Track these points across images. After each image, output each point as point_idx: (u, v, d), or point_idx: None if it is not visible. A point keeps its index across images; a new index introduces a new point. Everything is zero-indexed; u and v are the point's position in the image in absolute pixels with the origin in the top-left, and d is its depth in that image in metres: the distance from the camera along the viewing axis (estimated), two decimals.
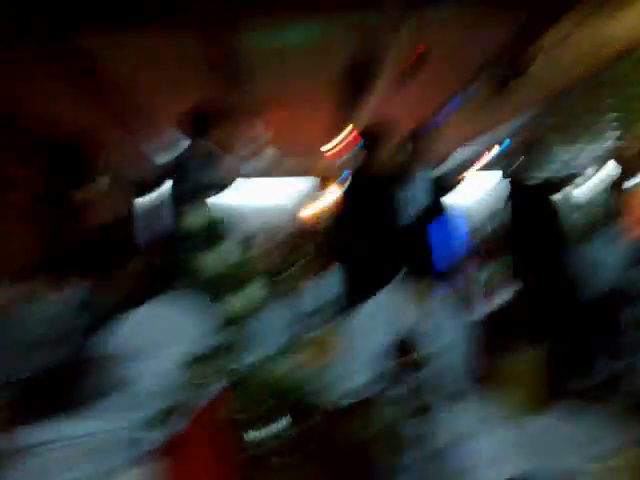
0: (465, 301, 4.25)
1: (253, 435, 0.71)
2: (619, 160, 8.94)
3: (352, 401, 0.97)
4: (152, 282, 2.93)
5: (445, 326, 2.07)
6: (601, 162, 12.70)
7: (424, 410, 0.77)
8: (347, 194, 5.01)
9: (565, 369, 4.15)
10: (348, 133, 9.94)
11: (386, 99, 8.42)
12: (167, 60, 6.83)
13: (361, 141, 3.19)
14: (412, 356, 0.96)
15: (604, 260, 4.99)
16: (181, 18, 5.42)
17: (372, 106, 8.65)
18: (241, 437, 0.69)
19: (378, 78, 6.78)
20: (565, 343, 4.03)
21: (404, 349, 0.97)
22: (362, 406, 0.91)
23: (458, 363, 1.93)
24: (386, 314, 2.25)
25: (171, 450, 0.70)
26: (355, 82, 6.38)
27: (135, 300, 2.22)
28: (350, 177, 5.58)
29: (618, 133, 12.66)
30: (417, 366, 0.96)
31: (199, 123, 3.39)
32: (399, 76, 7.35)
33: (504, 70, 7.00)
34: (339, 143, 11.66)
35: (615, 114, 12.18)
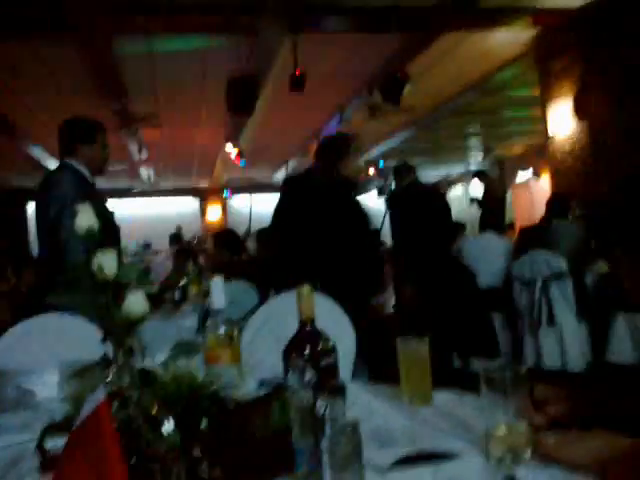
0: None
1: (151, 438, 0.71)
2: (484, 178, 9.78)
3: (262, 393, 1.00)
4: (40, 292, 2.80)
5: (340, 319, 2.16)
6: (469, 179, 13.64)
7: (334, 394, 0.82)
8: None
9: (451, 356, 4.47)
10: (232, 150, 9.96)
11: (269, 115, 8.57)
12: (41, 68, 6.52)
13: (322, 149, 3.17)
14: (318, 347, 1.01)
15: (487, 256, 5.48)
16: (60, 28, 5.21)
17: (257, 121, 8.77)
18: (132, 443, 0.69)
19: (260, 95, 6.90)
20: (451, 332, 4.37)
21: (309, 342, 1.02)
22: (272, 396, 0.94)
23: (351, 352, 2.02)
24: (290, 310, 2.29)
25: (57, 462, 0.69)
26: (238, 100, 6.44)
27: (25, 312, 2.12)
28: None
29: (481, 156, 13.77)
30: (322, 356, 1.01)
31: (69, 139, 3.16)
32: (279, 95, 7.53)
33: (377, 94, 7.39)
34: (224, 160, 11.66)
35: (477, 139, 13.28)
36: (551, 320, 4.72)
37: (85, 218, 1.10)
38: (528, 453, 0.99)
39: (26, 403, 1.78)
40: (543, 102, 6.79)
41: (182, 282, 4.41)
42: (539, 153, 11.00)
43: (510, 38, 6.52)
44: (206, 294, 4.38)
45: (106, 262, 1.06)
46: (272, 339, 2.33)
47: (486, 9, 5.75)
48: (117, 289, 1.06)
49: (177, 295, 4.26)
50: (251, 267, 4.32)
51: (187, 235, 11.93)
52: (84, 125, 3.28)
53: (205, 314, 3.49)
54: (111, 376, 0.98)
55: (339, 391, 0.79)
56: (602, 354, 4.13)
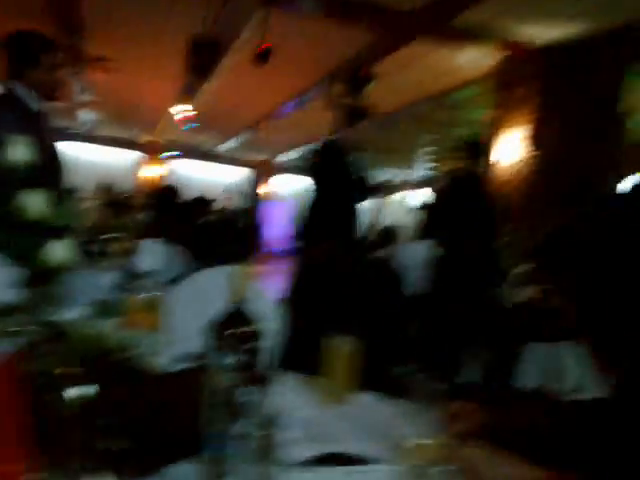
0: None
1: (59, 397, 0.65)
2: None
3: (180, 367, 0.95)
4: None
5: (268, 304, 2.11)
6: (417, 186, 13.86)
7: (254, 381, 0.79)
8: None
9: (380, 358, 4.48)
10: (180, 112, 9.65)
11: (226, 84, 8.35)
12: None
13: None
14: (246, 328, 0.96)
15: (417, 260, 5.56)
16: None
17: (212, 88, 8.53)
18: (41, 400, 0.63)
19: (221, 62, 6.70)
20: (382, 333, 4.39)
21: (237, 321, 0.97)
22: (191, 373, 0.89)
23: (276, 344, 1.98)
24: (217, 287, 2.22)
25: None
26: (198, 61, 6.23)
27: None
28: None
29: (431, 165, 14.01)
30: (249, 338, 0.97)
31: (20, 54, 2.75)
32: (241, 65, 7.35)
33: (342, 84, 7.35)
34: (170, 119, 11.27)
35: (430, 148, 13.48)
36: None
37: (17, 152, 1.01)
38: (437, 468, 0.99)
39: None
40: (494, 127, 6.96)
41: (105, 236, 4.21)
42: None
43: (475, 59, 6.64)
44: (130, 253, 4.22)
45: (32, 202, 0.97)
46: (193, 313, 2.26)
47: (460, 27, 5.82)
48: (44, 231, 0.98)
49: (98, 249, 4.07)
50: (184, 232, 4.19)
51: (118, 189, 11.50)
52: (27, 42, 2.81)
53: (127, 274, 3.34)
54: (20, 323, 0.90)
55: (262, 379, 0.75)
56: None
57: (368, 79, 6.61)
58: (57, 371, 0.75)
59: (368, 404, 1.38)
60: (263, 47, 5.84)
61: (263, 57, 5.88)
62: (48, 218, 0.95)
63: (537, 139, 6.23)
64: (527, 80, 6.44)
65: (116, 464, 0.68)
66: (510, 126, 6.62)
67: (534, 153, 6.22)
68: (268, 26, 5.73)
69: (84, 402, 0.70)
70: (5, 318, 1.01)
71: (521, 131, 6.43)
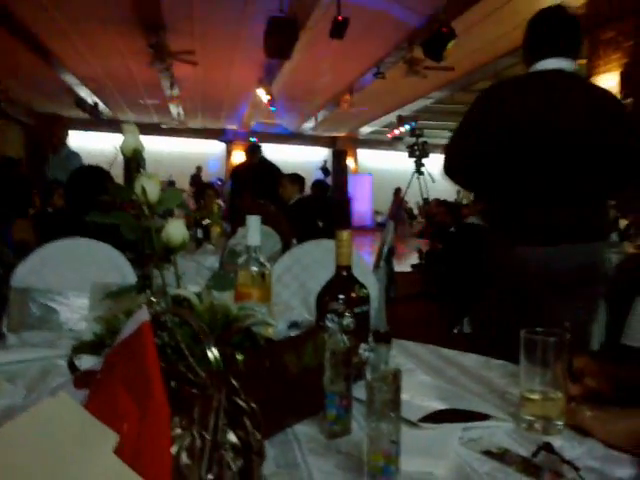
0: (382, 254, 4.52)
1: (191, 363, 0.70)
2: None
3: (293, 334, 0.99)
4: (67, 215, 2.82)
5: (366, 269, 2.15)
6: None
7: (376, 340, 0.81)
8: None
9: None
10: (264, 95, 9.81)
11: (305, 62, 8.40)
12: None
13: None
14: (353, 294, 0.99)
15: None
16: None
17: (291, 68, 8.60)
18: (171, 367, 0.68)
19: (297, 39, 6.74)
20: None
21: (347, 285, 1.00)
22: (307, 337, 0.93)
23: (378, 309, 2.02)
24: (317, 259, 2.28)
25: (94, 378, 0.69)
26: (278, 42, 6.29)
27: (51, 234, 2.13)
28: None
29: None
30: (360, 301, 1.00)
31: None
32: (317, 42, 7.34)
33: (418, 49, 7.18)
34: (254, 104, 11.51)
35: None
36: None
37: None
38: (561, 423, 0.97)
39: (49, 322, 1.80)
40: (589, 73, 6.55)
41: (205, 222, 4.41)
42: None
43: (560, 2, 6.25)
44: (227, 235, 4.39)
45: (149, 185, 1.04)
46: (296, 285, 2.33)
47: None
48: (160, 213, 1.05)
49: (199, 234, 4.27)
50: (275, 212, 4.30)
51: (209, 177, 11.91)
52: None
53: (227, 254, 3.49)
54: (147, 300, 0.97)
55: (384, 337, 0.76)
56: (617, 337, 4.08)
57: (448, 37, 6.42)
58: (186, 341, 0.80)
59: (477, 364, 1.38)
60: (339, 19, 5.79)
61: (339, 30, 5.84)
62: (162, 201, 1.02)
63: (631, 85, 5.80)
64: (618, 20, 5.99)
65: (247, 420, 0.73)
66: (601, 72, 6.21)
67: (628, 101, 5.80)
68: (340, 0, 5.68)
69: (217, 367, 0.74)
70: (128, 296, 1.09)
71: (613, 77, 6.01)
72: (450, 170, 2.24)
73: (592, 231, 2.10)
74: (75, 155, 5.50)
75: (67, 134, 5.60)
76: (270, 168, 6.04)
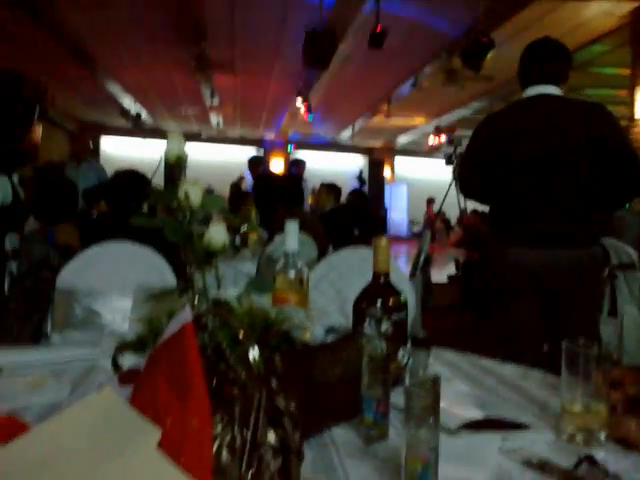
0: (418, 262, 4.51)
1: (228, 365, 0.71)
2: None
3: (330, 339, 1.00)
4: (111, 219, 2.90)
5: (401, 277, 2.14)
6: None
7: (416, 345, 0.81)
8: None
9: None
10: (301, 104, 9.89)
11: (343, 72, 8.44)
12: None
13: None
14: (390, 300, 0.99)
15: None
16: None
17: (330, 78, 8.66)
18: (212, 367, 0.70)
19: (335, 52, 6.77)
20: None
21: (385, 292, 1.00)
22: (346, 342, 0.94)
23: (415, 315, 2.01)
24: (354, 266, 2.29)
25: (138, 375, 0.71)
26: (316, 52, 6.35)
27: (94, 238, 2.20)
28: None
29: None
30: (398, 308, 1.00)
31: None
32: (355, 52, 7.37)
33: (457, 59, 7.14)
34: (291, 113, 11.62)
35: None
36: (613, 310, 4.56)
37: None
38: (603, 435, 0.95)
39: (92, 323, 1.85)
40: (633, 83, 6.40)
41: (242, 229, 4.45)
42: None
43: (605, 11, 6.13)
44: (264, 242, 4.43)
45: (192, 191, 1.06)
46: (332, 292, 2.33)
47: None
48: (200, 218, 1.07)
49: (237, 241, 4.31)
50: (311, 220, 4.32)
51: (247, 185, 12.03)
52: None
53: (264, 261, 3.52)
54: (189, 302, 0.99)
55: (424, 343, 0.76)
56: None
57: (487, 47, 6.37)
58: (226, 343, 0.81)
59: (514, 374, 1.36)
60: (378, 30, 5.81)
61: (378, 40, 5.86)
62: (204, 206, 1.04)
63: None
64: None
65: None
66: None
67: None
68: (381, 8, 5.70)
69: (258, 367, 0.75)
70: (170, 298, 1.12)
71: None
72: (464, 190, 2.65)
73: (579, 239, 2.31)
74: (93, 167, 5.66)
75: (91, 143, 5.77)
76: (296, 180, 6.09)
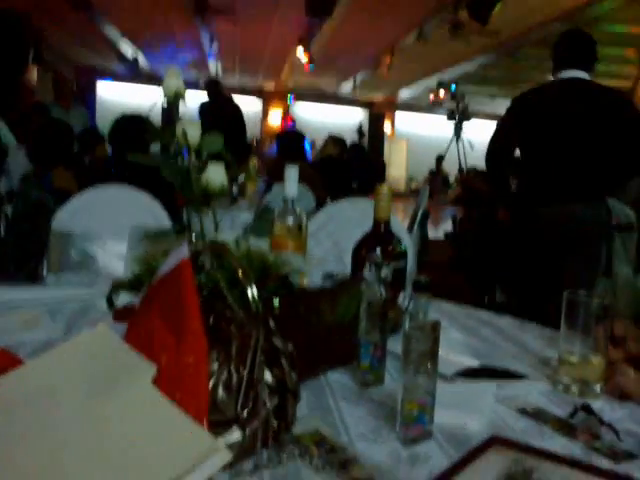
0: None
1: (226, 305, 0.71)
2: None
3: (327, 285, 0.99)
4: (116, 163, 2.85)
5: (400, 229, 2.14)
6: None
7: (416, 289, 0.81)
8: None
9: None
10: (302, 54, 9.68)
11: (345, 21, 8.21)
12: None
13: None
14: (390, 248, 0.98)
15: None
16: None
17: (332, 27, 8.43)
18: (209, 306, 0.69)
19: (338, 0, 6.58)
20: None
21: (385, 238, 0.99)
22: (344, 287, 0.93)
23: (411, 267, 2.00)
24: (352, 216, 2.28)
25: (133, 312, 0.70)
26: (314, 2, 6.16)
27: (97, 181, 2.17)
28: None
29: None
30: (395, 257, 0.99)
31: None
32: (359, 1, 7.16)
33: (463, 11, 6.95)
34: (292, 63, 11.37)
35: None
36: (608, 270, 4.58)
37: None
38: (599, 387, 0.95)
39: (87, 266, 1.84)
40: None
41: (241, 178, 4.41)
42: None
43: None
44: (262, 192, 4.40)
45: (190, 129, 1.03)
46: (330, 242, 2.32)
47: None
48: (201, 159, 1.04)
49: (234, 190, 4.28)
50: (310, 172, 4.27)
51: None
52: None
53: (261, 210, 3.50)
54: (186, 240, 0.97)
55: (425, 287, 0.75)
56: None
57: (474, 16, 6.17)
58: (224, 282, 0.80)
59: (510, 325, 1.36)
60: None
61: None
62: (203, 145, 1.01)
63: None
64: None
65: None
66: None
67: None
68: None
69: (256, 306, 0.74)
70: (166, 239, 1.10)
71: None
72: (491, 161, 2.92)
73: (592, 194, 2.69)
74: (79, 112, 5.53)
75: (75, 85, 5.61)
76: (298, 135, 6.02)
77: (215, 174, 1.03)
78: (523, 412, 0.88)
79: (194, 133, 1.03)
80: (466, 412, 0.85)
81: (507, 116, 2.87)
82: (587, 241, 2.72)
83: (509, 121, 2.85)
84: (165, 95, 1.05)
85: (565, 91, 2.73)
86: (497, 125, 2.92)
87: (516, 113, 2.82)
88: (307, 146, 5.34)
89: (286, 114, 15.49)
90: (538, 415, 0.87)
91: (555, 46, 2.86)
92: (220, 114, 5.90)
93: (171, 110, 1.02)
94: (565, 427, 0.83)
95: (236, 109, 6.38)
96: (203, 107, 6.31)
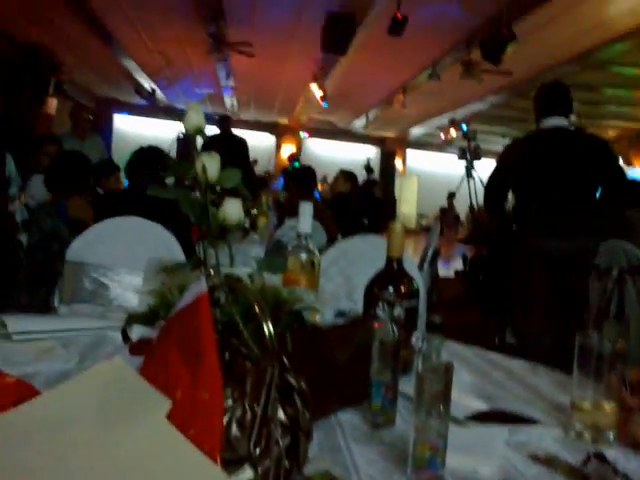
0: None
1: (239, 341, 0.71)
2: None
3: (339, 322, 1.00)
4: (130, 194, 2.89)
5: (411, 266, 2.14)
6: None
7: (430, 330, 0.80)
8: None
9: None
10: (317, 90, 9.83)
11: (360, 59, 8.36)
12: None
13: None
14: (403, 287, 0.99)
15: None
16: None
17: (347, 64, 8.58)
18: (224, 341, 0.69)
19: (353, 38, 6.70)
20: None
21: (397, 277, 1.00)
22: (356, 326, 0.94)
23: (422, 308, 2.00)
24: (364, 253, 2.28)
25: (149, 347, 0.70)
26: (335, 38, 6.28)
27: (105, 214, 2.20)
28: None
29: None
30: (407, 296, 1.00)
31: None
32: (375, 38, 7.29)
33: (474, 52, 7.06)
34: (306, 99, 11.55)
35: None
36: (620, 313, 4.53)
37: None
38: (612, 434, 0.94)
39: (100, 297, 1.85)
40: None
41: (253, 212, 4.44)
42: (634, 140, 10.33)
43: (629, 9, 6.02)
44: (274, 227, 4.42)
45: (210, 164, 1.05)
46: (341, 278, 2.32)
47: None
48: (216, 193, 1.06)
49: (247, 223, 4.30)
50: (321, 207, 4.30)
51: (259, 169, 12.02)
52: None
53: (273, 245, 3.52)
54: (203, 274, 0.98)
55: (439, 328, 0.75)
56: None
57: (508, 40, 6.27)
58: (238, 318, 0.80)
59: (522, 369, 1.35)
60: (398, 17, 5.74)
61: (398, 28, 5.79)
62: (221, 180, 1.03)
63: None
64: None
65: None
66: None
67: None
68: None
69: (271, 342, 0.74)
70: (182, 272, 1.11)
71: None
72: (488, 204, 3.29)
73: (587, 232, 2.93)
74: (96, 143, 5.61)
75: (91, 117, 5.71)
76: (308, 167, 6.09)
77: (232, 208, 1.05)
78: (535, 458, 0.87)
79: (213, 167, 1.05)
80: (477, 457, 0.84)
81: (500, 165, 3.20)
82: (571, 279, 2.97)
83: (502, 169, 3.17)
84: (186, 130, 1.07)
85: (549, 140, 3.02)
86: (491, 173, 3.20)
87: (507, 162, 3.17)
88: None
89: (299, 150, 15.64)
90: (550, 462, 0.86)
91: (536, 98, 3.15)
92: (225, 147, 5.99)
93: (190, 144, 1.04)
94: (578, 475, 0.82)
95: (241, 142, 6.48)
96: (209, 140, 6.41)
